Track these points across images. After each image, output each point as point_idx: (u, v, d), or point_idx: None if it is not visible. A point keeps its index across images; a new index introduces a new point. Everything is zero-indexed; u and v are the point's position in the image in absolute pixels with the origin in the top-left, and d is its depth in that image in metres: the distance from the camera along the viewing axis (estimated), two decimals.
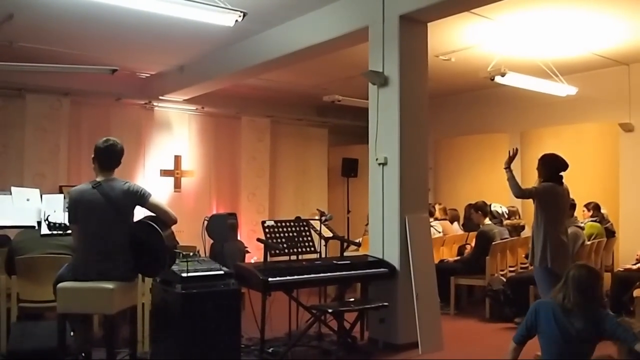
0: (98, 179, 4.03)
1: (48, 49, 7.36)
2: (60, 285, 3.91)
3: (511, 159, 5.10)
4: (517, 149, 5.16)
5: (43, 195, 5.24)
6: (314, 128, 11.27)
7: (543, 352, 3.44)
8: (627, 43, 7.24)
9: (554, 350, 3.36)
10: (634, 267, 6.54)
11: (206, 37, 7.02)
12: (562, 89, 7.65)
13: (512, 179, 5.00)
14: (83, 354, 4.31)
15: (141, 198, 4.02)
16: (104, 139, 4.09)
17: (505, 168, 5.07)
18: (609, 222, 7.68)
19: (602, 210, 7.59)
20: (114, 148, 4.06)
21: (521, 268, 7.46)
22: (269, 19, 6.54)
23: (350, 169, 10.63)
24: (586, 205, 7.48)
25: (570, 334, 3.30)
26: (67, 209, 4.19)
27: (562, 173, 5.04)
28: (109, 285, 3.84)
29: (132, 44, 7.38)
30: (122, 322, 4.34)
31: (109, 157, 4.06)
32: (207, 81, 8.32)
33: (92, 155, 4.11)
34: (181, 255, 4.29)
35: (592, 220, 7.37)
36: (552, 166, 5.07)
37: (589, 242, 6.86)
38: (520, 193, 5.06)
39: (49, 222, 4.76)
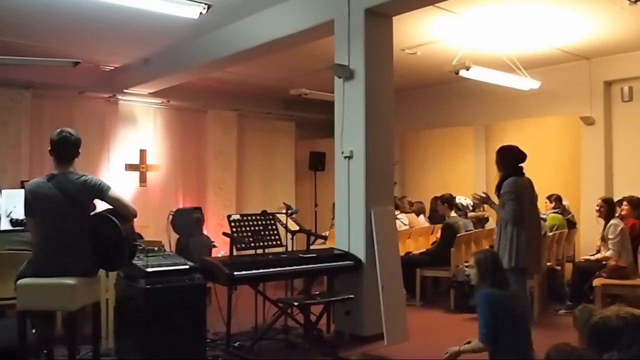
0: (54, 172, 3.94)
1: (8, 40, 7.18)
2: (20, 282, 3.83)
3: (484, 200, 5.25)
4: (484, 193, 5.29)
5: (3, 190, 5.14)
6: (281, 122, 11.24)
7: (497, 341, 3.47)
8: (589, 38, 7.37)
9: (510, 332, 3.41)
10: (594, 257, 6.68)
11: (171, 30, 6.93)
12: (526, 82, 7.75)
13: (499, 210, 4.90)
14: (45, 352, 4.24)
15: (100, 191, 3.94)
16: (58, 130, 3.99)
17: (490, 206, 5.21)
18: (570, 213, 7.86)
19: (564, 202, 7.75)
20: (67, 139, 3.94)
21: None
22: (234, 11, 6.49)
23: (318, 162, 10.62)
24: (548, 197, 7.64)
25: (517, 314, 3.38)
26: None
27: (521, 165, 4.94)
28: (70, 280, 3.76)
29: (95, 36, 7.24)
30: (85, 318, 4.28)
31: (63, 149, 3.95)
32: (172, 74, 8.22)
33: (49, 148, 4.00)
34: (144, 249, 4.25)
35: (554, 212, 7.53)
36: (510, 158, 4.94)
37: (550, 234, 7.01)
38: (513, 216, 4.76)
39: (12, 219, 4.69)
